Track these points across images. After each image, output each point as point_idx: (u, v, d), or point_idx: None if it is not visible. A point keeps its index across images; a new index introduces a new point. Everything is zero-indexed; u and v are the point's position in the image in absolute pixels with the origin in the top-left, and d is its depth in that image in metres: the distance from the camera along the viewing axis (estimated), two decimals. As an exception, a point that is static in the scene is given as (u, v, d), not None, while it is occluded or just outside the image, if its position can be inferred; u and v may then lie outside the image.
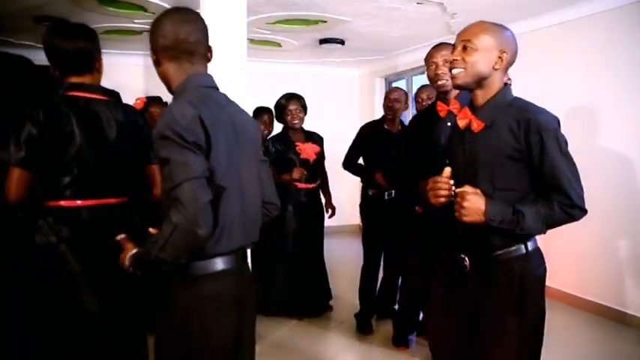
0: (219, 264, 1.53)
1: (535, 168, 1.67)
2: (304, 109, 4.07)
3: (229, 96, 1.68)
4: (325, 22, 4.86)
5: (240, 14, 3.25)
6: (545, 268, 1.80)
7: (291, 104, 3.98)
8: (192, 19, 1.58)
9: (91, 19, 4.77)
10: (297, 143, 3.99)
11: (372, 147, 3.80)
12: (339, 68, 7.64)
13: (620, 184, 3.97)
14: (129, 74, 6.03)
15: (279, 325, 3.88)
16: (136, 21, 4.80)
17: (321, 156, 4.11)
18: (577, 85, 4.31)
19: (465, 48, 1.74)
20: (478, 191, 1.68)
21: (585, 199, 1.67)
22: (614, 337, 3.74)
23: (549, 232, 2.45)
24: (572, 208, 1.64)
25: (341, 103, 7.69)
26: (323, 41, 5.70)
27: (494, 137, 1.71)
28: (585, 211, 1.66)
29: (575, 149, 1.68)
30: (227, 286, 1.54)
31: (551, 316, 4.07)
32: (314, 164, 4.03)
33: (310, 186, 4.04)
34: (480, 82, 1.75)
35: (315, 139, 4.12)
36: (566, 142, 1.67)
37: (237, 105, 1.70)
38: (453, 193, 1.75)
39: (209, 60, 1.66)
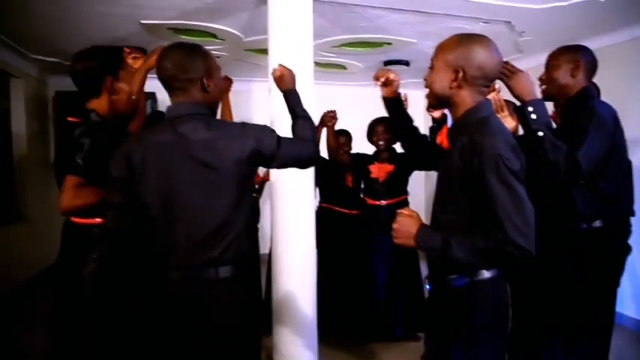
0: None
1: (476, 195, 1.49)
2: (391, 131, 4.11)
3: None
4: (390, 44, 4.87)
5: (306, 38, 3.30)
6: (505, 303, 1.61)
7: (378, 125, 4.18)
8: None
9: (166, 47, 5.03)
10: (374, 162, 4.16)
11: None
12: (404, 89, 7.52)
13: None
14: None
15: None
16: (206, 47, 4.99)
17: (395, 174, 4.11)
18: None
19: (430, 68, 1.67)
20: (414, 214, 1.58)
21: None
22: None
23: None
24: (507, 245, 1.39)
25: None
26: (388, 63, 5.70)
27: (450, 158, 1.58)
28: (526, 251, 1.39)
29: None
30: None
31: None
32: (384, 183, 4.11)
33: (378, 203, 4.12)
34: (444, 101, 1.65)
35: (392, 159, 4.15)
36: (512, 171, 1.44)
37: None
38: None
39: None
